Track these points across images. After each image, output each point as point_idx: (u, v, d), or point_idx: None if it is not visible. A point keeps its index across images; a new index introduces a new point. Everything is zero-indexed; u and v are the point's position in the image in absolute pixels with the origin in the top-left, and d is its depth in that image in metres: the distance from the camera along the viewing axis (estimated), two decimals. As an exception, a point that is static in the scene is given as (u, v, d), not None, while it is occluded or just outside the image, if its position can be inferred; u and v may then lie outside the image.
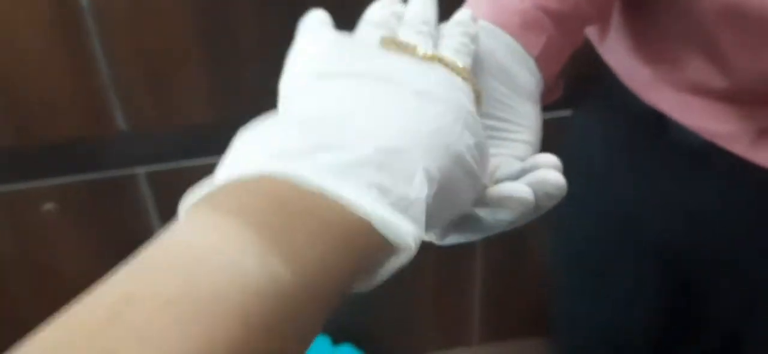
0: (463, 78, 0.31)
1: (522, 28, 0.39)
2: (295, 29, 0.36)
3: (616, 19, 0.52)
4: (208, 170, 0.27)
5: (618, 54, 0.54)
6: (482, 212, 0.32)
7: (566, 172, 0.64)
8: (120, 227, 1.09)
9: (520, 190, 0.31)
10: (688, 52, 0.46)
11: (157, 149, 1.00)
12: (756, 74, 0.42)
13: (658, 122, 0.52)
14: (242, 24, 0.93)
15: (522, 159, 0.34)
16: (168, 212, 1.09)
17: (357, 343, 1.30)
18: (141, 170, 1.03)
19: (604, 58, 0.56)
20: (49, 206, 1.01)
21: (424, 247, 1.12)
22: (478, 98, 0.32)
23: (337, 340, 1.30)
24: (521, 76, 0.37)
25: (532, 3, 0.39)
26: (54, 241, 1.07)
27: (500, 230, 0.33)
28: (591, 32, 0.56)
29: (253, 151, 0.25)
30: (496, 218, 0.32)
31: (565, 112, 1.11)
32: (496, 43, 0.37)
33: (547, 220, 0.37)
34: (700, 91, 0.46)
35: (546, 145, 1.08)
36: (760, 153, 0.46)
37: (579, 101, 0.65)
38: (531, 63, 0.39)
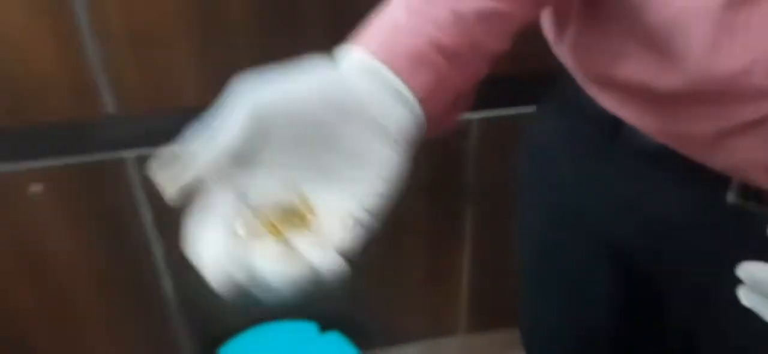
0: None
1: (410, 67, 0.40)
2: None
3: (571, 19, 0.52)
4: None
5: (573, 54, 0.54)
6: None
7: (527, 168, 0.66)
8: (107, 211, 1.08)
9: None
10: (642, 50, 0.46)
11: (147, 132, 0.99)
12: (712, 74, 0.42)
13: (612, 124, 0.52)
14: (234, 7, 0.92)
15: (366, 206, 0.37)
16: (156, 197, 1.08)
17: (344, 330, 1.30)
18: (130, 154, 1.02)
19: (560, 58, 0.56)
20: (36, 188, 1.00)
21: (414, 235, 1.13)
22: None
23: (324, 327, 1.30)
24: (392, 120, 0.39)
25: (425, 40, 0.41)
26: (40, 223, 1.06)
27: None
28: (548, 31, 0.56)
29: None
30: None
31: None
32: (375, 84, 0.39)
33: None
34: (654, 91, 0.46)
35: (512, 140, 1.09)
36: (713, 156, 0.46)
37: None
38: (412, 103, 0.40)
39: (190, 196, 0.35)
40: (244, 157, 0.37)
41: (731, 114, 0.42)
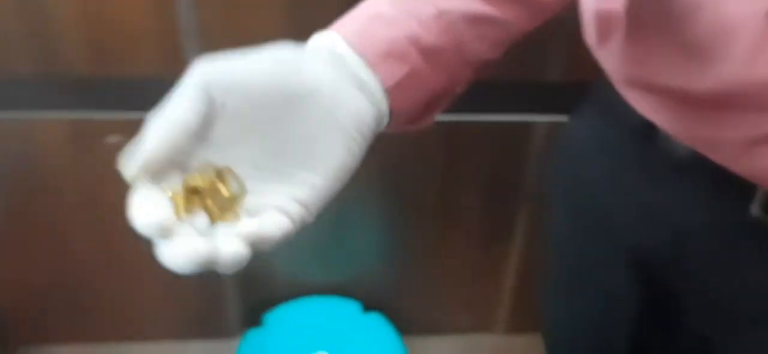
0: None
1: (382, 57, 0.39)
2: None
3: (615, 25, 0.52)
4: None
5: (614, 58, 0.54)
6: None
7: (559, 169, 0.66)
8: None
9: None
10: (684, 55, 0.45)
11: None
12: (750, 80, 0.42)
13: (646, 129, 0.52)
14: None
15: (302, 202, 0.35)
16: None
17: (386, 312, 1.32)
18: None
19: (600, 62, 0.56)
20: (114, 139, 1.04)
21: (465, 229, 1.15)
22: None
23: (368, 306, 1.32)
24: (349, 111, 0.37)
25: (404, 34, 0.40)
26: (112, 173, 1.10)
27: None
28: (589, 36, 0.56)
29: None
30: None
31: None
32: (337, 72, 0.38)
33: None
34: (691, 95, 0.46)
35: (543, 148, 1.09)
36: (742, 163, 0.46)
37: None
38: (376, 95, 0.39)
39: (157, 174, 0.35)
40: (197, 133, 0.35)
41: (763, 122, 0.43)
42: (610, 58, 0.55)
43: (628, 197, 0.57)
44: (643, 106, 0.52)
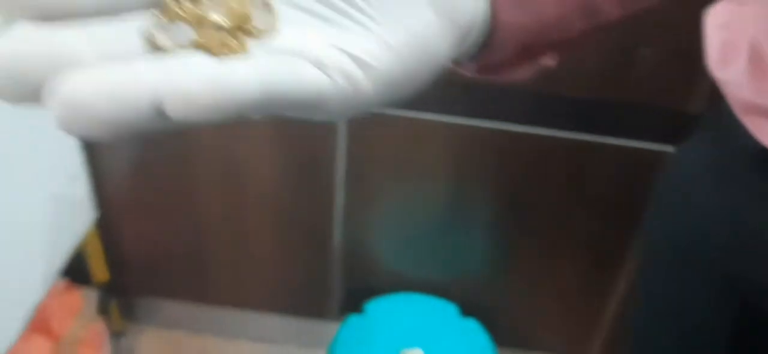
0: None
1: None
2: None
3: (741, 46, 0.51)
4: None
5: (734, 84, 0.53)
6: None
7: (662, 202, 0.65)
8: (309, 153, 1.17)
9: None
10: None
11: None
12: None
13: (761, 155, 0.51)
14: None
15: (354, 55, 0.24)
16: (354, 152, 1.14)
17: (483, 319, 1.33)
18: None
19: (719, 84, 0.55)
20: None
21: (574, 249, 1.14)
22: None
23: (465, 311, 1.34)
24: None
25: None
26: (248, 146, 1.17)
27: None
28: (711, 58, 0.55)
29: None
30: None
31: (664, 147, 1.08)
32: None
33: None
34: None
35: (643, 177, 1.06)
36: None
37: (683, 137, 0.65)
38: None
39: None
40: None
41: None
42: (731, 83, 0.54)
43: (741, 226, 0.56)
44: (761, 131, 0.51)
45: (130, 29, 0.22)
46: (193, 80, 0.20)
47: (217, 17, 0.22)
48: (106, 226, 1.28)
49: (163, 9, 0.22)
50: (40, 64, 0.20)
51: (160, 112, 0.20)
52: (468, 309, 1.34)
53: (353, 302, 1.34)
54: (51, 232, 1.12)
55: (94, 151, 1.19)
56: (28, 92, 0.20)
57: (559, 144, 1.11)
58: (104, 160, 1.21)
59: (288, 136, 1.15)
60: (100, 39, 0.21)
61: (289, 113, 0.23)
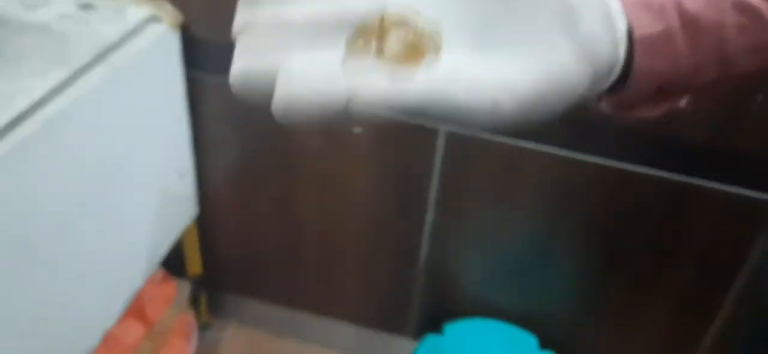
0: None
1: (639, 5, 0.34)
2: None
3: None
4: None
5: None
6: None
7: None
8: (405, 169, 1.20)
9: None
10: None
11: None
12: None
13: None
14: None
15: (508, 85, 0.29)
16: (448, 171, 1.16)
17: (562, 352, 1.31)
18: (444, 126, 1.12)
19: None
20: (358, 130, 1.14)
21: (665, 293, 1.12)
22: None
23: (544, 344, 1.32)
24: (589, 26, 0.31)
25: None
26: (347, 157, 1.21)
27: None
28: None
29: None
30: None
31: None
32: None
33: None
34: None
35: (746, 228, 1.01)
36: None
37: None
38: (619, 35, 0.33)
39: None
40: None
41: None
42: None
43: None
44: None
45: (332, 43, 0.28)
46: (375, 88, 0.27)
47: (397, 47, 0.28)
48: (205, 222, 1.35)
49: (354, 40, 0.28)
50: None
51: (347, 108, 0.27)
52: (548, 342, 1.32)
53: (432, 322, 1.35)
54: (156, 224, 1.18)
55: (202, 151, 1.26)
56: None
57: (659, 184, 1.09)
58: (210, 160, 1.28)
59: (387, 151, 1.18)
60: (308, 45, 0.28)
61: (440, 121, 0.29)
